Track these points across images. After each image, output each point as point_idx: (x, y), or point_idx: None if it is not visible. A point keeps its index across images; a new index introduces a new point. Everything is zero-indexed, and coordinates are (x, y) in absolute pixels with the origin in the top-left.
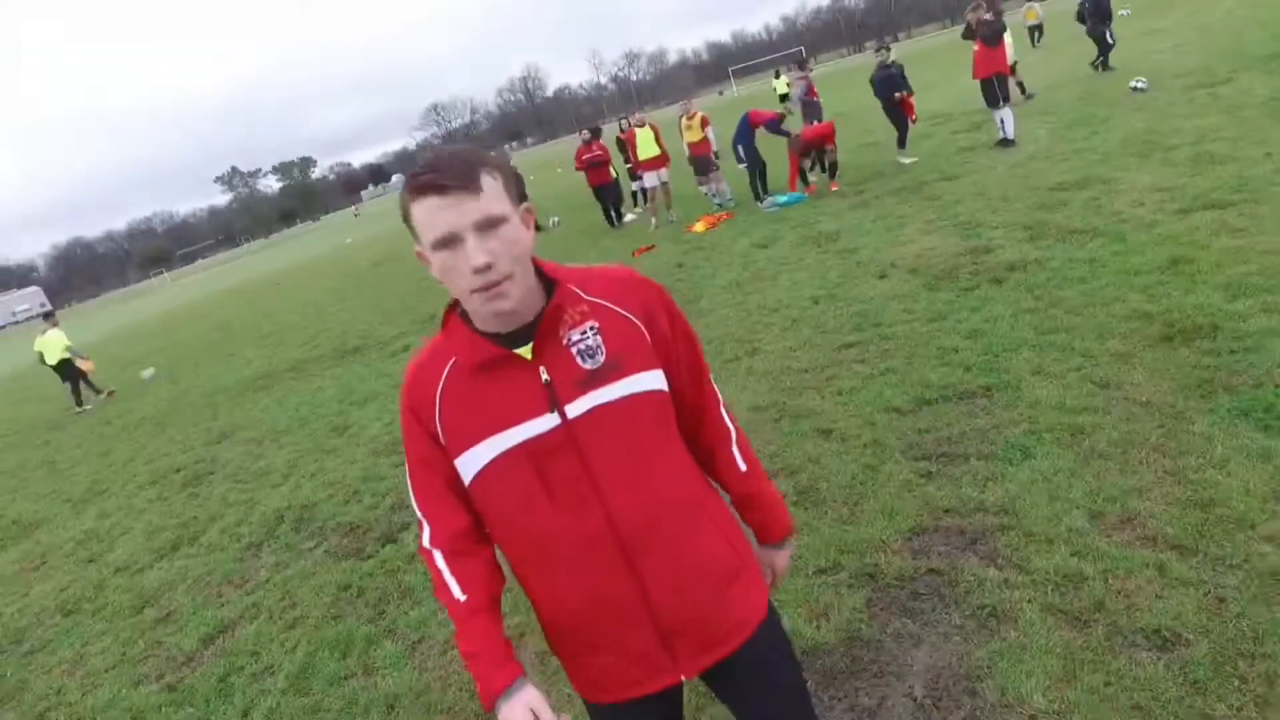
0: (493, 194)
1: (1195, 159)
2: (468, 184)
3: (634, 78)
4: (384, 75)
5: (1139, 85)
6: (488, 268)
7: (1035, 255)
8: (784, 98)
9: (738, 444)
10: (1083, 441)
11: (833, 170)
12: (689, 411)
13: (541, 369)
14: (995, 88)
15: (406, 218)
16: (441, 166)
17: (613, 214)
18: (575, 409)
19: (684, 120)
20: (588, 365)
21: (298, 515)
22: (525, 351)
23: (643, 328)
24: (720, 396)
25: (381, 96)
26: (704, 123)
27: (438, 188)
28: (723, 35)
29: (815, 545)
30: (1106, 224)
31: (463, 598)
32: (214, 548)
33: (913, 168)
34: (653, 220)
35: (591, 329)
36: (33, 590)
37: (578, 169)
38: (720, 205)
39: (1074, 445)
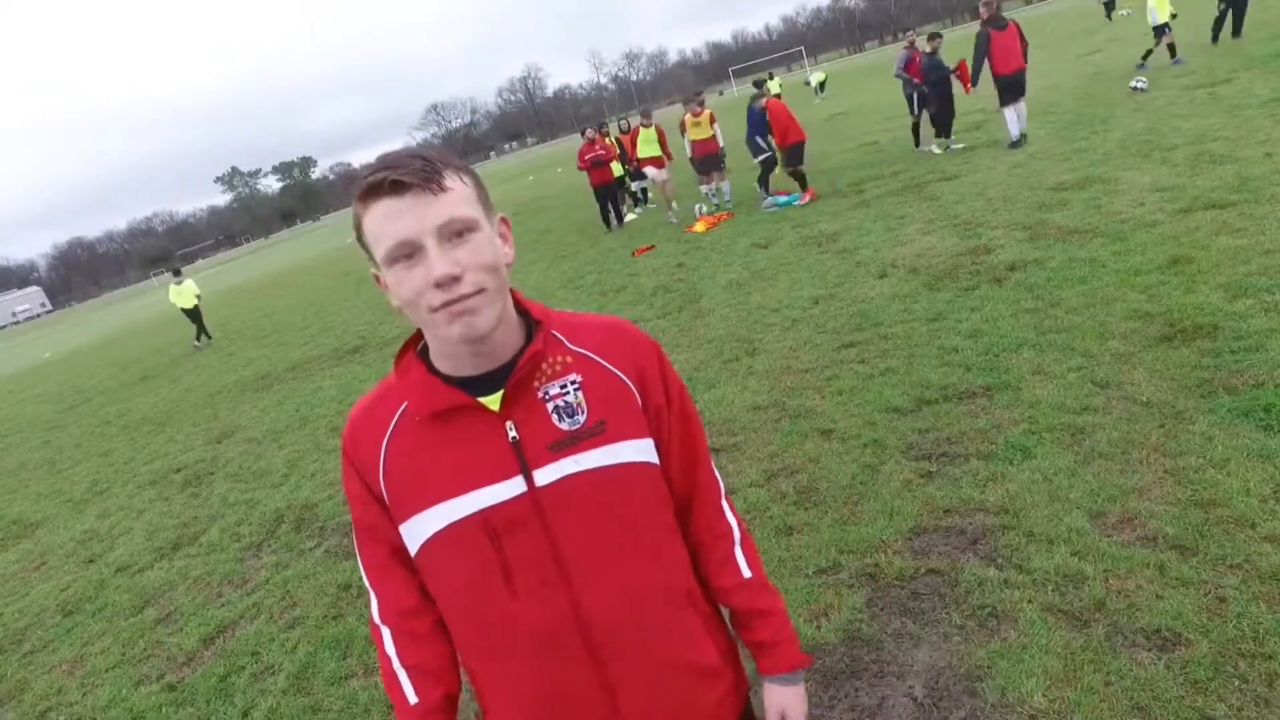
0: (460, 196)
1: (1195, 159)
2: (429, 182)
3: (634, 78)
4: (384, 75)
5: (1139, 85)
6: (452, 280)
7: (1035, 255)
8: (777, 97)
9: (741, 545)
10: (1083, 441)
11: (800, 180)
12: (677, 500)
13: (509, 424)
14: (1016, 84)
15: (360, 233)
16: (397, 163)
17: (612, 214)
18: (545, 475)
19: (690, 118)
20: (565, 425)
21: (298, 515)
22: (492, 401)
23: (634, 390)
24: (723, 486)
25: (381, 96)
26: (712, 120)
27: (393, 187)
28: (723, 35)
29: (815, 545)
30: (1106, 224)
31: (414, 701)
32: (214, 548)
33: (936, 158)
34: (670, 209)
35: (573, 383)
36: (33, 590)
37: (580, 167)
38: (718, 205)
39: (1074, 445)
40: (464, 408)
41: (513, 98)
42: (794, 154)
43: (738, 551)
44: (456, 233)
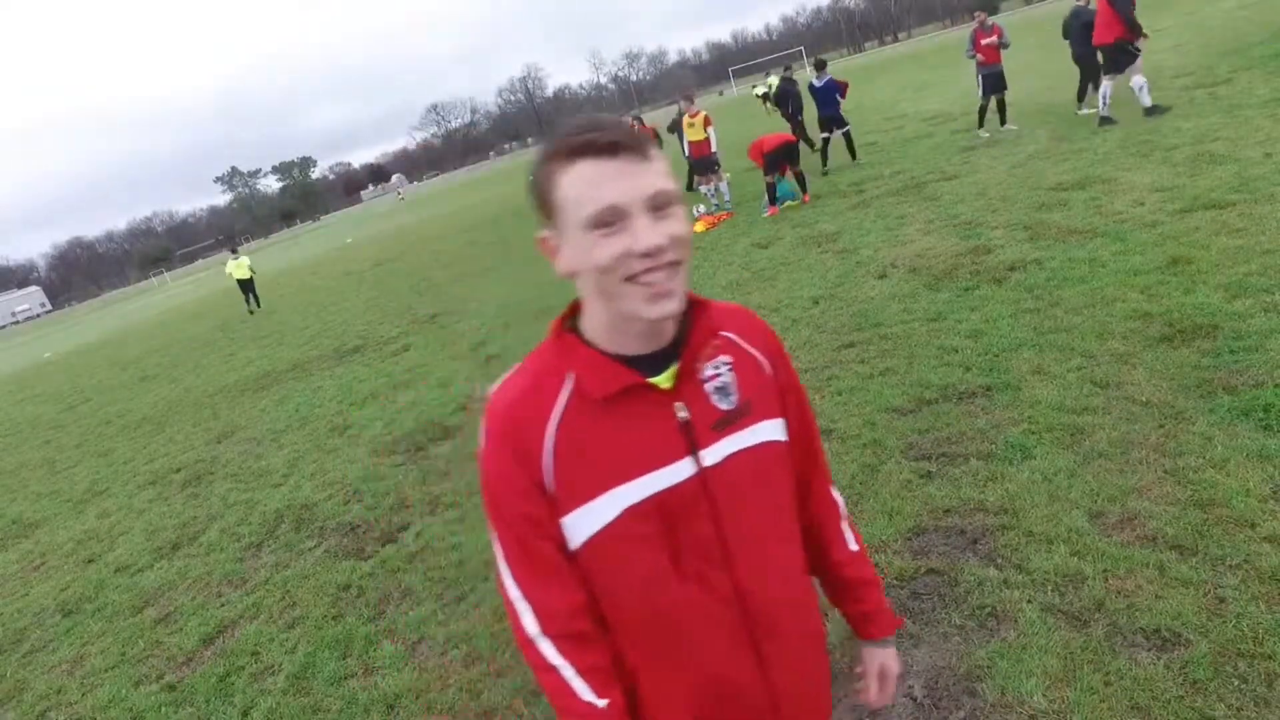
0: (663, 168)
1: (1195, 159)
2: (642, 149)
3: (634, 78)
4: (384, 75)
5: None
6: (660, 251)
7: (1035, 255)
8: (765, 98)
9: (846, 520)
10: (1083, 441)
11: (800, 182)
12: (796, 477)
13: (679, 404)
14: (1119, 53)
15: (546, 192)
16: (606, 125)
17: None
18: (711, 456)
19: (685, 119)
20: (723, 405)
21: (298, 515)
22: (665, 380)
23: (769, 370)
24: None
25: (382, 96)
26: (706, 122)
27: (607, 148)
28: (723, 35)
29: None
30: (1106, 224)
31: (602, 703)
32: (214, 548)
33: (1089, 118)
34: None
35: (726, 364)
36: (33, 590)
37: None
38: (718, 206)
39: (1074, 445)
40: (637, 388)
41: (513, 98)
42: (774, 160)
43: (844, 525)
44: (661, 205)
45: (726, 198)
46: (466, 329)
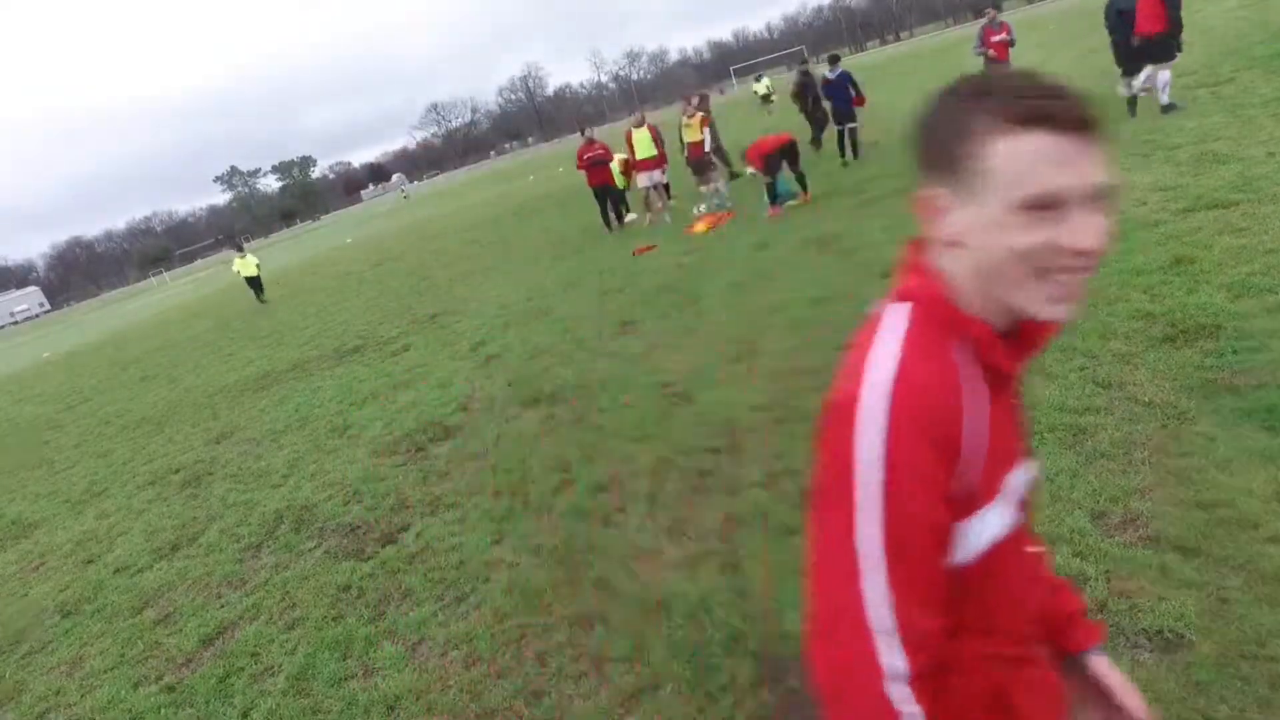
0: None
1: (1197, 158)
2: (1100, 129)
3: (635, 77)
4: (384, 75)
5: (1139, 85)
6: (1092, 254)
7: None
8: (765, 99)
9: None
10: (1085, 441)
11: (801, 182)
12: None
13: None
14: (1162, 45)
15: (965, 151)
16: (1068, 92)
17: (611, 215)
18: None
19: (684, 119)
20: None
21: (297, 516)
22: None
23: None
24: None
25: (382, 96)
26: (703, 122)
27: (1070, 124)
28: (724, 34)
29: None
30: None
31: None
32: (214, 548)
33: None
34: (647, 217)
35: None
36: (31, 591)
37: (579, 168)
38: (719, 205)
39: (1076, 445)
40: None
41: (513, 97)
42: (773, 163)
43: None
44: (1100, 199)
45: (726, 198)
46: (466, 329)
